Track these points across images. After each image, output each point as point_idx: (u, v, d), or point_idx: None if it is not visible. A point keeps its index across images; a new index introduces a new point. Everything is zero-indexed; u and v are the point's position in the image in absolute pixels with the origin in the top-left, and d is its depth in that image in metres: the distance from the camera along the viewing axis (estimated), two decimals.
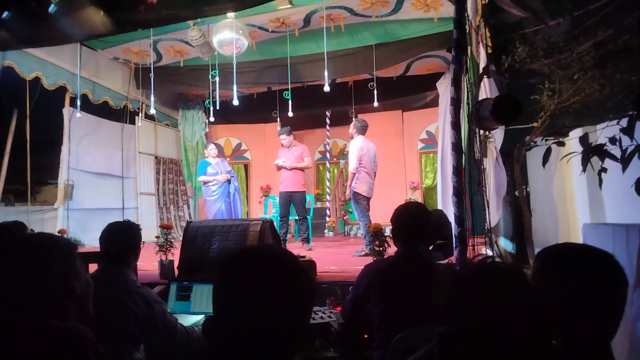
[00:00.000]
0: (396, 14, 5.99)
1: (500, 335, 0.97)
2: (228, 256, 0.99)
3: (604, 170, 1.97)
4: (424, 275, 2.02)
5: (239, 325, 0.92)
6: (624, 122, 1.80)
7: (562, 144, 2.64)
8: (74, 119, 6.57)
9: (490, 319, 0.98)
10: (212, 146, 6.79)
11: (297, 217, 6.47)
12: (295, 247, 6.34)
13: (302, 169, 6.37)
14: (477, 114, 2.97)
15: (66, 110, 6.68)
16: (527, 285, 1.04)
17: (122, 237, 2.17)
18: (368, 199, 5.44)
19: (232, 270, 0.96)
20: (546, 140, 2.60)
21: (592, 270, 1.14)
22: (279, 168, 6.34)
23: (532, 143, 2.89)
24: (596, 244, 1.26)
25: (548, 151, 2.39)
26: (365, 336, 2.15)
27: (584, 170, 1.94)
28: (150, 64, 6.81)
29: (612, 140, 1.82)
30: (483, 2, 3.54)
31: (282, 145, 6.48)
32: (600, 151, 1.84)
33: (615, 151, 1.84)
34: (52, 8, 4.09)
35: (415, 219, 2.12)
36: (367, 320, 2.05)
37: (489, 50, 3.58)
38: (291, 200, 6.31)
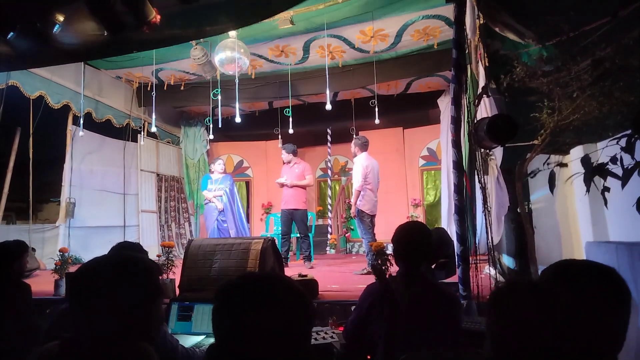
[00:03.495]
0: (395, 47, 6.05)
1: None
2: (225, 285, 1.01)
3: (607, 189, 1.97)
4: (426, 296, 2.01)
5: (241, 351, 0.92)
6: (623, 141, 1.81)
7: (564, 165, 2.65)
8: (76, 137, 6.61)
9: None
10: (219, 161, 6.80)
11: (298, 235, 6.46)
12: (296, 265, 6.31)
13: (303, 187, 6.38)
14: (476, 134, 2.98)
15: (69, 129, 6.72)
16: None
17: None
18: (371, 216, 5.44)
19: (230, 299, 0.97)
20: (548, 164, 2.60)
21: (596, 285, 1.17)
22: (282, 185, 6.37)
23: (536, 170, 2.90)
24: (599, 262, 1.27)
25: (552, 175, 2.39)
26: (369, 357, 2.13)
27: (588, 190, 1.94)
28: (152, 87, 6.90)
29: (613, 160, 1.83)
30: (480, 22, 3.59)
31: (283, 161, 6.53)
32: (602, 170, 1.85)
33: (617, 170, 1.85)
34: (56, 28, 4.15)
35: (415, 239, 2.12)
36: (370, 341, 2.03)
37: (486, 71, 3.62)
38: (293, 218, 6.31)
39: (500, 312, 1.05)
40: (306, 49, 6.23)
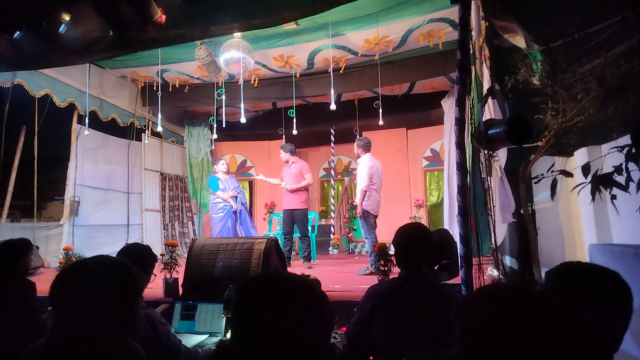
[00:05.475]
0: (399, 49, 6.03)
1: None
2: (248, 283, 1.01)
3: (614, 197, 1.98)
4: (427, 297, 2.02)
5: (261, 352, 0.93)
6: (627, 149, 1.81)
7: (569, 174, 2.65)
8: (81, 135, 6.63)
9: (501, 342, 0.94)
10: (222, 161, 6.85)
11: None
12: (299, 265, 6.31)
13: (304, 188, 6.37)
14: (487, 135, 2.97)
15: (74, 127, 6.75)
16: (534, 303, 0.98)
17: (135, 261, 2.18)
18: (375, 216, 5.45)
19: (252, 297, 0.98)
20: (552, 172, 2.60)
21: (599, 288, 1.19)
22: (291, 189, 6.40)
23: (540, 175, 2.89)
24: (603, 265, 1.29)
25: (554, 183, 2.39)
26: (371, 358, 2.13)
27: (593, 199, 1.95)
28: (157, 87, 6.93)
29: (619, 170, 1.83)
30: (486, 24, 3.59)
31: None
32: (607, 180, 1.85)
33: (620, 177, 1.86)
34: (62, 28, 4.17)
35: (416, 241, 2.12)
36: (372, 341, 2.04)
37: (490, 72, 3.61)
38: (293, 218, 6.31)
39: (470, 324, 0.93)
40: (310, 61, 6.23)
